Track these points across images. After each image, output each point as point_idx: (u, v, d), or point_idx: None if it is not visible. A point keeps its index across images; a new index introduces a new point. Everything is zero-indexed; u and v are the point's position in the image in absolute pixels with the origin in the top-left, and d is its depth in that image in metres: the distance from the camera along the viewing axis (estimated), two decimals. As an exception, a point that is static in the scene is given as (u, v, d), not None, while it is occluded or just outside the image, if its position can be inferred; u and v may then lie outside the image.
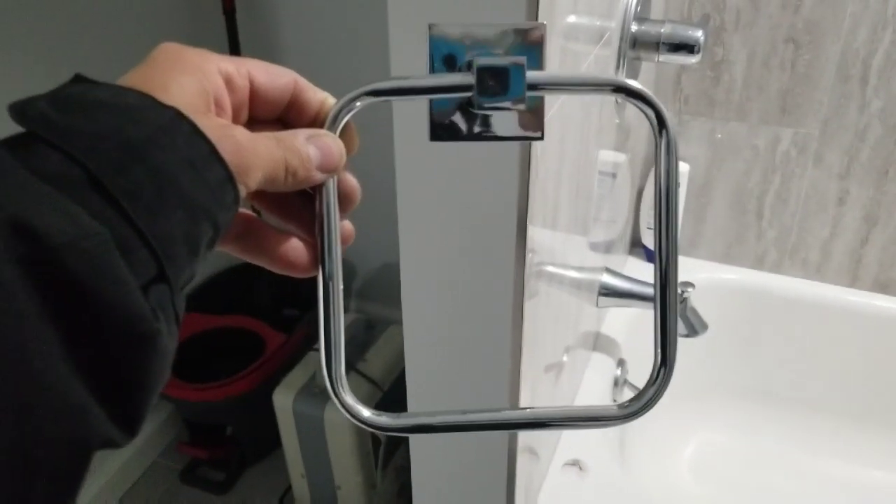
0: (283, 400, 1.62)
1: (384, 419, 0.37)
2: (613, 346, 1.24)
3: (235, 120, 0.34)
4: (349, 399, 0.36)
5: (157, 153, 0.28)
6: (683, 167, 1.36)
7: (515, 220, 0.64)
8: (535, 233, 0.70)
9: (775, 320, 1.40)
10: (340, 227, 0.37)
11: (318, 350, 1.31)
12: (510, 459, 0.80)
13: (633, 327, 1.28)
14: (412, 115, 0.61)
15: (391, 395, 1.62)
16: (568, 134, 0.77)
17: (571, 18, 0.68)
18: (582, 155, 0.86)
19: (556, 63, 0.65)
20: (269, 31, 1.93)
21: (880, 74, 1.20)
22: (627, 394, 1.18)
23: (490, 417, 0.38)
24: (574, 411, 0.39)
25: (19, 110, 0.28)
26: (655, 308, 0.37)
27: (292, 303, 1.98)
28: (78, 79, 0.30)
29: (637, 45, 0.98)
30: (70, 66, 0.31)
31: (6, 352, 0.23)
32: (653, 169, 1.37)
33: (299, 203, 0.37)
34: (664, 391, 0.37)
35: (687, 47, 0.99)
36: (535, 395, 0.84)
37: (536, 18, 0.56)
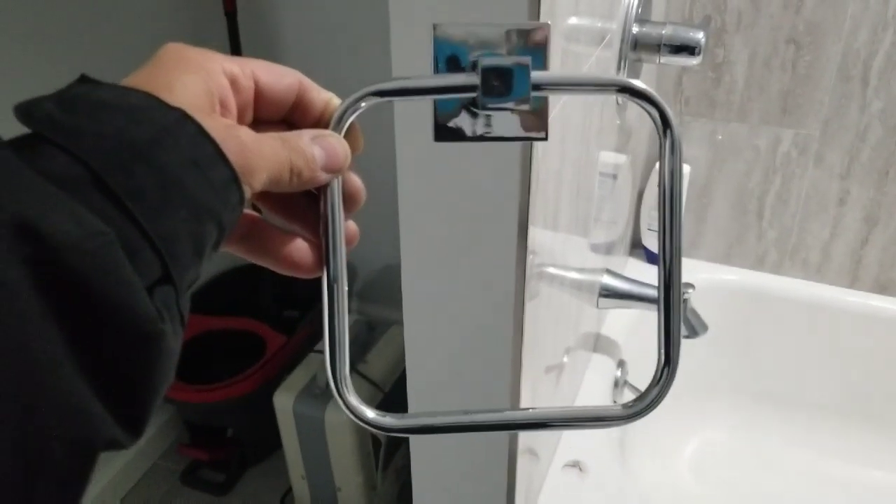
0: (284, 401, 1.62)
1: (388, 420, 0.37)
2: (614, 348, 1.24)
3: (240, 120, 0.34)
4: (353, 400, 0.36)
5: (162, 154, 0.28)
6: (684, 168, 1.36)
7: (516, 221, 0.64)
8: (535, 234, 0.70)
9: (776, 321, 1.41)
10: (345, 227, 0.37)
11: (318, 351, 1.30)
12: (511, 460, 0.80)
13: (634, 328, 1.28)
14: (413, 117, 0.61)
15: (392, 397, 1.62)
16: (569, 135, 0.77)
17: (573, 20, 0.68)
18: (583, 156, 0.86)
19: (557, 65, 0.65)
20: (270, 33, 1.93)
21: (881, 75, 1.20)
22: (627, 395, 1.18)
23: (494, 418, 0.38)
24: (578, 411, 0.39)
25: (25, 111, 0.28)
26: (659, 308, 0.37)
27: (293, 304, 1.98)
28: (83, 79, 0.30)
29: (638, 47, 0.98)
30: (72, 67, 0.31)
31: (11, 352, 0.23)
32: (653, 170, 1.37)
33: (304, 204, 0.37)
34: (668, 391, 0.37)
35: (688, 49, 0.99)
36: (535, 396, 0.84)
37: (538, 20, 0.56)
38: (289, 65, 0.36)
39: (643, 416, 0.37)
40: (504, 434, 0.77)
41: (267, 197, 0.37)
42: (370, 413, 0.37)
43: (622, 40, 0.95)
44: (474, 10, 0.55)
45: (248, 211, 0.35)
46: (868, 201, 1.30)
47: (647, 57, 0.99)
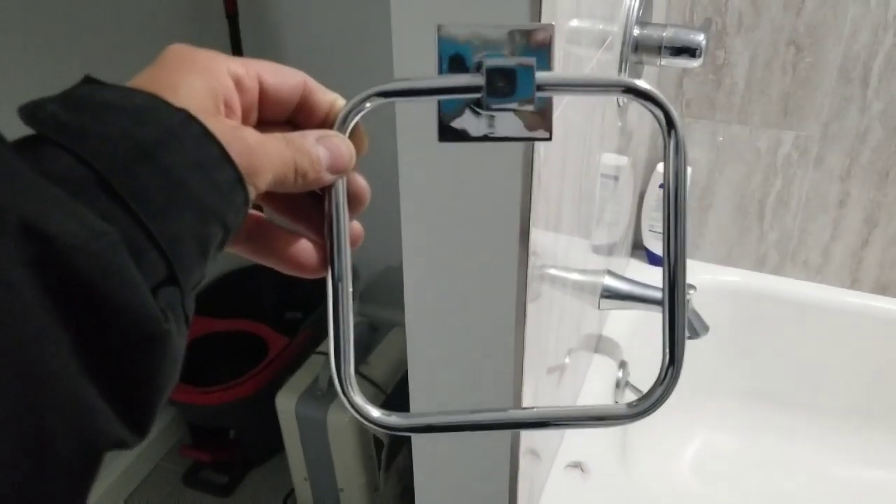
0: (286, 403, 1.62)
1: (393, 419, 0.37)
2: (615, 349, 1.24)
3: (245, 121, 0.34)
4: (358, 399, 0.36)
5: (167, 155, 0.28)
6: (685, 170, 1.36)
7: (518, 222, 0.64)
8: (537, 235, 0.70)
9: (776, 322, 1.41)
10: (350, 227, 0.37)
11: (321, 353, 1.30)
12: (513, 462, 0.80)
13: (635, 330, 1.28)
14: (415, 120, 0.61)
15: (394, 399, 1.62)
16: (570, 137, 0.77)
17: (574, 22, 0.69)
18: (584, 158, 0.87)
19: (559, 67, 0.65)
20: (271, 35, 1.93)
21: (881, 77, 1.20)
22: (629, 396, 1.18)
23: (498, 417, 0.38)
24: (582, 411, 0.39)
25: (29, 112, 0.28)
26: (664, 306, 0.37)
27: (295, 306, 1.98)
28: (88, 80, 0.30)
29: (639, 49, 0.98)
30: (73, 70, 0.31)
31: (16, 352, 0.23)
32: (654, 172, 1.37)
33: (309, 204, 0.37)
34: (672, 390, 0.37)
35: (689, 51, 0.99)
36: (537, 398, 0.84)
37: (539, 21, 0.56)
38: (290, 67, 0.36)
39: (648, 416, 0.37)
40: (506, 435, 0.77)
41: (272, 197, 0.37)
42: (375, 412, 0.37)
43: (623, 43, 0.95)
44: (475, 15, 0.55)
45: (252, 211, 0.35)
46: (868, 203, 1.30)
47: (648, 59, 1.00)
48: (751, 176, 1.35)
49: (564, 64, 0.67)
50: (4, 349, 0.23)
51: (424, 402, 0.77)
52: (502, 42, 0.36)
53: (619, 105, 1.01)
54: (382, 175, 0.89)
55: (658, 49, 0.98)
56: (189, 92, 0.31)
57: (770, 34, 1.23)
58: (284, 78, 0.35)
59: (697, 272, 1.41)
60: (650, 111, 0.36)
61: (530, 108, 0.36)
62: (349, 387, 0.36)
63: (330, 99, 0.37)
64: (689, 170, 1.36)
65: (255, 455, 1.95)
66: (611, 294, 1.10)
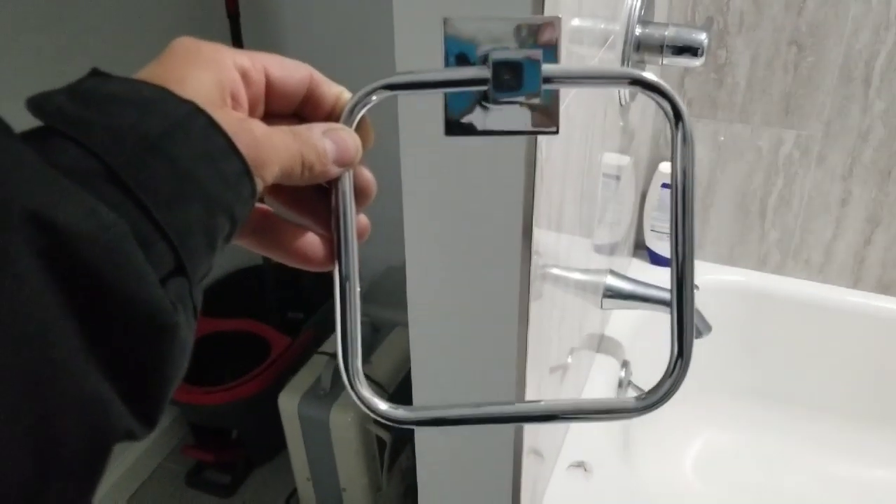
0: (289, 403, 1.62)
1: (401, 412, 0.37)
2: (618, 348, 1.24)
3: (252, 114, 0.34)
4: (366, 392, 0.36)
5: (174, 147, 0.28)
6: (687, 169, 1.36)
7: (521, 222, 0.64)
8: (540, 235, 0.70)
9: (778, 321, 1.41)
10: (356, 221, 0.37)
11: (323, 353, 1.29)
12: (516, 461, 0.80)
13: (638, 329, 1.28)
14: (418, 118, 0.61)
15: (396, 399, 1.61)
16: (573, 136, 0.77)
17: (576, 21, 0.69)
18: (586, 158, 0.87)
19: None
20: (272, 34, 1.93)
21: (883, 76, 1.20)
22: (632, 395, 1.18)
23: (506, 410, 0.38)
24: (591, 404, 0.39)
25: (37, 104, 0.28)
26: (672, 299, 0.37)
27: (297, 306, 1.97)
28: (95, 73, 0.30)
29: (641, 48, 0.98)
30: (75, 69, 0.31)
31: (25, 343, 0.23)
32: (656, 172, 1.37)
33: (315, 197, 0.37)
34: (681, 383, 0.37)
35: (690, 50, 0.99)
36: (540, 397, 0.84)
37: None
38: (294, 61, 0.36)
39: (657, 409, 0.37)
40: (509, 434, 0.77)
41: (279, 191, 0.37)
42: (383, 405, 0.37)
43: (625, 42, 0.95)
44: (479, 10, 0.55)
45: (259, 204, 0.35)
46: (870, 202, 1.30)
47: (650, 58, 1.00)
48: (752, 175, 1.35)
49: (567, 63, 0.67)
50: (13, 340, 0.23)
51: (427, 401, 0.77)
52: (508, 36, 0.36)
53: (620, 105, 1.01)
54: (384, 175, 0.89)
55: (660, 48, 0.98)
56: (196, 84, 0.31)
57: (771, 33, 1.23)
58: (290, 71, 0.35)
59: (699, 272, 1.41)
60: (657, 103, 0.36)
61: (537, 101, 0.36)
62: (357, 380, 0.36)
63: (336, 92, 0.37)
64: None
65: (257, 455, 1.95)
66: (613, 293, 1.10)
